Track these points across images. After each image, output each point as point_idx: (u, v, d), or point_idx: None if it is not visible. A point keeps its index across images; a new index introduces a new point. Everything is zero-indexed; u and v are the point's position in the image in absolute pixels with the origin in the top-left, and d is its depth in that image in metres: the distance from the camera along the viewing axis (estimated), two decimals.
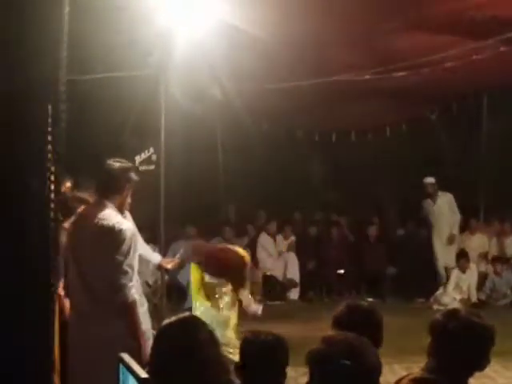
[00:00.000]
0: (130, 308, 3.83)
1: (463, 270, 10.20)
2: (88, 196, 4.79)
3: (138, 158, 7.03)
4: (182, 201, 10.31)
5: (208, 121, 9.50)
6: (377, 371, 2.18)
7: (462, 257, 10.29)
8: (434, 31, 6.44)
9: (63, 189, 4.92)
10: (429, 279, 10.78)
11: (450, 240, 10.80)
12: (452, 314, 2.82)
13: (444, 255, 10.84)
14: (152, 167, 6.98)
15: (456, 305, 9.41)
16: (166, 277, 7.30)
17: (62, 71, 1.96)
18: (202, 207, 11.02)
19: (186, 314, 2.56)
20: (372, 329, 2.84)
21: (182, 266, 9.51)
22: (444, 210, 10.82)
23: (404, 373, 3.08)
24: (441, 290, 10.25)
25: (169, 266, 6.09)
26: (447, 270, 10.71)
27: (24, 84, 1.88)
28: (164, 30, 5.57)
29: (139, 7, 5.23)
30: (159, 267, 6.18)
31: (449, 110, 10.52)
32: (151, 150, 7.07)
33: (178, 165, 9.14)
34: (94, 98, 7.17)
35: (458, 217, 10.86)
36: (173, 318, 2.46)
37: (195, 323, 2.46)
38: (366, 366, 2.11)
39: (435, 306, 9.91)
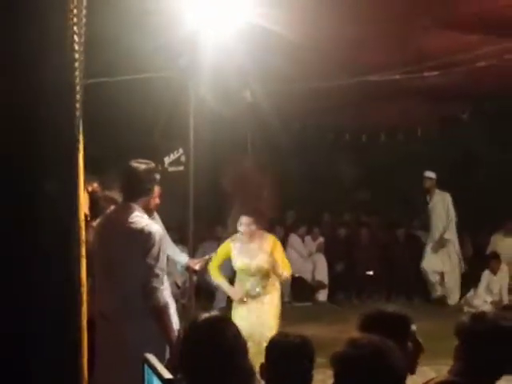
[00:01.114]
0: (162, 311, 3.86)
1: (494, 271, 10.05)
2: (117, 195, 4.84)
3: (167, 159, 7.07)
4: (211, 201, 10.34)
5: (237, 122, 9.52)
6: (402, 374, 2.16)
7: (494, 258, 10.16)
8: (465, 30, 6.38)
9: (90, 189, 4.96)
10: (460, 280, 10.66)
11: (441, 244, 10.44)
12: (479, 316, 2.78)
13: (430, 258, 10.50)
14: (181, 168, 7.02)
15: (487, 307, 9.29)
16: (195, 277, 7.31)
17: (77, 73, 1.97)
18: (231, 208, 11.04)
19: (214, 313, 2.55)
20: (399, 332, 2.75)
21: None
22: (438, 209, 10.43)
23: (434, 375, 3.04)
24: (471, 292, 10.12)
25: (196, 267, 6.12)
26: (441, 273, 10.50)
27: (41, 87, 1.90)
28: (192, 33, 5.59)
29: (168, 10, 5.26)
30: (187, 268, 6.21)
31: (481, 110, 10.41)
32: (180, 151, 7.11)
33: (206, 166, 9.18)
34: (123, 100, 7.23)
35: (452, 220, 10.42)
36: (201, 317, 2.44)
37: (223, 322, 2.45)
38: (391, 369, 2.09)
39: (466, 308, 9.79)
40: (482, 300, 9.87)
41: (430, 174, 10.43)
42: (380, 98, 8.49)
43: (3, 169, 1.86)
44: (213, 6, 5.16)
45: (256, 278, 5.81)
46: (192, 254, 6.81)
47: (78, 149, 1.95)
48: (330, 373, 2.36)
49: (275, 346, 2.85)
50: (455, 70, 7.00)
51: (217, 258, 5.99)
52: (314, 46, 6.30)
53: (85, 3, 1.99)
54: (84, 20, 1.99)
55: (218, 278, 6.02)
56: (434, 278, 10.52)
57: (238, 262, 5.81)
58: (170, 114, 7.13)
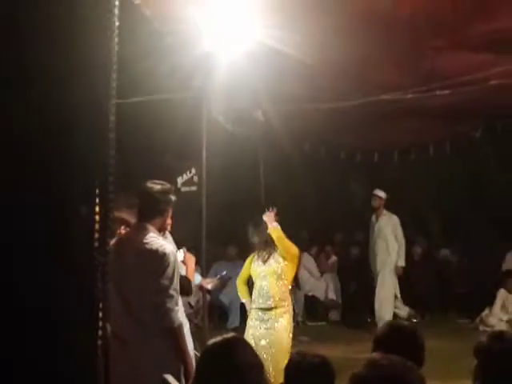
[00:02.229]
0: (176, 332, 3.86)
1: (510, 290, 9.98)
2: (127, 215, 4.84)
3: (180, 180, 7.10)
4: (224, 221, 10.35)
5: (249, 142, 9.56)
6: None
7: (509, 277, 10.09)
8: (477, 49, 6.39)
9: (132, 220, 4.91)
10: (475, 299, 10.58)
11: (398, 273, 9.92)
12: (497, 336, 2.77)
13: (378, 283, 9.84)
14: (194, 188, 7.05)
15: (503, 326, 9.23)
16: (208, 297, 7.31)
17: (111, 97, 2.01)
18: (244, 228, 11.05)
19: (230, 334, 2.56)
20: (414, 350, 2.80)
21: (222, 285, 9.58)
22: (384, 231, 9.86)
23: None
24: (487, 311, 10.05)
25: (209, 287, 6.18)
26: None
27: (78, 109, 1.93)
28: (206, 54, 5.64)
29: (181, 31, 5.30)
30: (200, 287, 6.23)
31: (492, 129, 10.37)
32: (193, 171, 7.14)
33: (219, 186, 9.20)
34: (136, 121, 7.28)
35: (402, 246, 9.92)
36: (217, 339, 2.46)
37: (239, 344, 2.46)
38: None
39: (481, 327, 9.73)
40: (498, 319, 9.79)
41: (380, 193, 10.01)
42: (392, 118, 8.49)
43: (34, 188, 1.88)
44: (226, 28, 5.20)
45: (267, 283, 6.03)
46: (205, 274, 6.82)
47: (110, 170, 1.97)
48: None
49: (295, 366, 2.84)
50: (467, 89, 7.00)
51: (242, 274, 6.39)
52: (325, 66, 6.33)
53: (116, 31, 2.04)
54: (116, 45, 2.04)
55: (243, 295, 6.39)
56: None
57: (252, 267, 6.20)
58: (182, 135, 7.17)
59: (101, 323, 1.87)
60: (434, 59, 6.55)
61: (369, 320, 10.77)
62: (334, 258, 11.60)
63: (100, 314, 1.87)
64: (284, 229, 6.40)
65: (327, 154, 10.65)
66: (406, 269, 11.22)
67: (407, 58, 6.48)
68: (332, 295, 11.13)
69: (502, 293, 9.98)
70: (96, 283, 1.87)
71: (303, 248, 11.63)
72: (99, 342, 1.90)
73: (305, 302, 11.09)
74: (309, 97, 7.33)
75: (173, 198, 4.21)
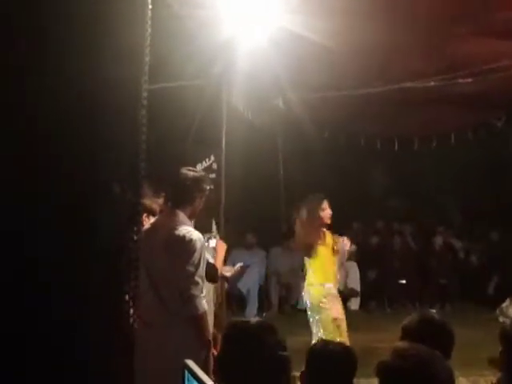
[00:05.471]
0: (200, 319, 3.85)
1: None
2: (150, 202, 4.83)
3: (199, 166, 7.09)
4: (243, 209, 10.33)
5: (269, 130, 9.51)
6: None
7: None
8: (501, 36, 6.29)
9: (154, 206, 4.90)
10: (495, 290, 10.50)
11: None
12: None
13: None
14: (213, 175, 7.03)
15: None
16: (226, 285, 7.30)
17: (144, 77, 1.97)
18: (263, 215, 11.03)
19: (258, 319, 2.54)
20: (444, 342, 2.76)
21: (241, 274, 9.56)
22: None
23: None
24: (507, 302, 9.95)
25: (228, 274, 6.16)
26: None
27: (112, 89, 1.90)
28: (226, 40, 5.58)
29: (200, 16, 5.25)
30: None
31: None
32: (212, 158, 7.12)
33: (238, 173, 9.17)
34: (155, 107, 7.26)
35: None
36: (245, 322, 2.44)
37: (266, 329, 2.44)
38: (438, 381, 2.04)
39: (501, 318, 9.64)
40: None
41: None
42: (413, 105, 8.41)
43: (67, 171, 1.84)
44: (247, 12, 5.14)
45: None
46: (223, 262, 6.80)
47: (141, 155, 1.94)
48: (364, 381, 2.32)
49: (317, 354, 2.81)
50: (490, 77, 6.89)
51: None
52: (347, 53, 6.26)
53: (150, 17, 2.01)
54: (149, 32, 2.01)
55: None
56: None
57: None
58: (202, 122, 7.15)
59: (127, 307, 1.85)
60: (457, 45, 6.46)
61: (388, 309, 10.74)
62: (352, 247, 11.54)
63: (126, 297, 1.84)
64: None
65: (347, 142, 10.57)
66: (426, 259, 11.16)
67: (429, 45, 6.39)
68: (351, 284, 11.09)
69: None
70: (123, 266, 1.84)
71: None
72: (124, 325, 1.87)
73: None
74: (330, 84, 7.26)
75: (207, 186, 4.19)
